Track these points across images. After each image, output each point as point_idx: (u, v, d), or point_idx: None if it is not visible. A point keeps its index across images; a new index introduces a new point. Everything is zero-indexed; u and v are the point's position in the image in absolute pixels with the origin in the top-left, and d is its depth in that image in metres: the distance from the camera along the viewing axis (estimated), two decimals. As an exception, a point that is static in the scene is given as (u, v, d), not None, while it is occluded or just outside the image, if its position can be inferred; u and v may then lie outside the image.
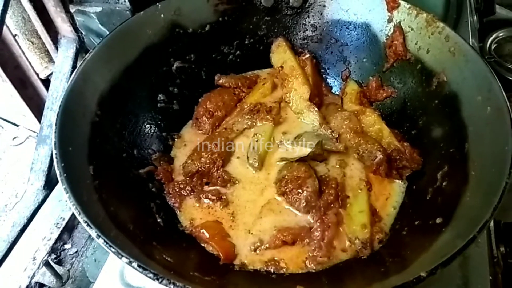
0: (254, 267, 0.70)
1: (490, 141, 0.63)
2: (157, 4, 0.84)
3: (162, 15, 0.84)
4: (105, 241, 0.53)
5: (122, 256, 0.52)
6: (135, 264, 0.51)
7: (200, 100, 0.92)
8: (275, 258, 0.71)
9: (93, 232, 0.54)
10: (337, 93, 0.96)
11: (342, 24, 0.91)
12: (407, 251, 0.62)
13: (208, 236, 0.72)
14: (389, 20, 0.84)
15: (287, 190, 0.76)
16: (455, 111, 0.71)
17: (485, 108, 0.65)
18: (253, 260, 0.71)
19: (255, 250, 0.72)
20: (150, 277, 0.51)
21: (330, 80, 0.97)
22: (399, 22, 0.82)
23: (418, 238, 0.63)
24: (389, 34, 0.85)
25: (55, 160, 0.61)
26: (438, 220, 0.61)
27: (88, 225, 0.55)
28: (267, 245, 0.72)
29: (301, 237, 0.72)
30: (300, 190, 0.75)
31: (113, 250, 0.53)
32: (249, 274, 0.69)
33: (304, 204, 0.74)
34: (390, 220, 0.74)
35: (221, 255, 0.70)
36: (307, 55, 0.94)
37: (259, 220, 0.75)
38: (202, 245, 0.73)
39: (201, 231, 0.73)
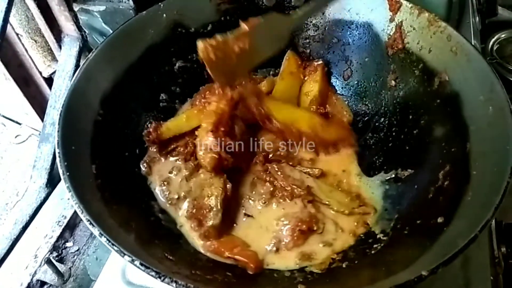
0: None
1: (492, 141, 0.63)
2: (160, 3, 0.84)
3: (164, 15, 0.85)
4: (107, 239, 0.54)
5: (125, 254, 0.52)
6: (137, 263, 0.52)
7: (201, 88, 0.92)
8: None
9: (95, 231, 0.55)
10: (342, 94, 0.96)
11: (344, 24, 0.91)
12: (408, 250, 0.62)
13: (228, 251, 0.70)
14: (391, 20, 0.84)
15: None
16: (457, 111, 0.71)
17: (487, 108, 0.65)
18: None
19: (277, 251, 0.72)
20: (152, 276, 0.51)
21: (332, 80, 0.97)
22: (401, 21, 0.82)
23: (419, 237, 0.63)
24: (391, 33, 0.85)
25: (58, 159, 0.62)
26: (439, 220, 0.61)
27: (90, 223, 0.55)
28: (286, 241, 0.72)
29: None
30: None
31: (115, 248, 0.53)
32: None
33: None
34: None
35: (251, 266, 0.67)
36: (320, 62, 0.94)
37: None
38: (223, 261, 0.70)
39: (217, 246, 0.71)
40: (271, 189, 0.78)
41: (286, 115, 0.81)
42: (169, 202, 0.77)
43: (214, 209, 0.71)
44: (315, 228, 0.73)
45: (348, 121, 0.92)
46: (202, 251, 0.71)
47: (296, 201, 0.77)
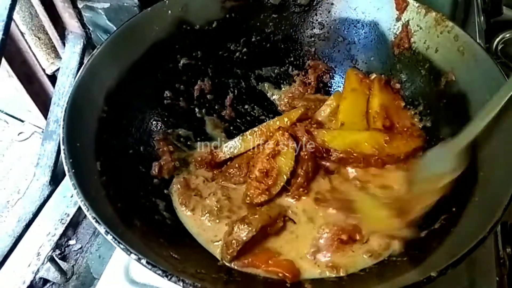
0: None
1: (499, 141, 0.63)
2: (165, 0, 0.83)
3: (169, 12, 0.84)
4: (113, 237, 0.53)
5: (131, 252, 0.52)
6: (144, 261, 0.51)
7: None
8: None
9: (101, 229, 0.54)
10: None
11: (349, 23, 0.91)
12: (415, 251, 0.62)
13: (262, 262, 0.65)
14: (398, 19, 0.84)
15: None
16: (464, 111, 0.71)
17: (494, 108, 0.65)
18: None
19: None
20: (159, 274, 0.50)
21: (337, 79, 0.97)
22: (408, 20, 0.82)
23: (427, 238, 0.63)
24: (397, 33, 0.84)
25: (63, 156, 0.61)
26: (446, 220, 0.61)
27: (96, 221, 0.55)
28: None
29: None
30: None
31: (122, 246, 0.52)
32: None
33: None
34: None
35: (288, 275, 0.63)
36: (374, 75, 0.88)
37: None
38: (255, 272, 0.66)
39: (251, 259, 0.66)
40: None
41: (343, 141, 0.77)
42: (188, 210, 0.76)
43: (247, 229, 0.66)
44: (357, 238, 0.67)
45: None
46: (235, 267, 0.66)
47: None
